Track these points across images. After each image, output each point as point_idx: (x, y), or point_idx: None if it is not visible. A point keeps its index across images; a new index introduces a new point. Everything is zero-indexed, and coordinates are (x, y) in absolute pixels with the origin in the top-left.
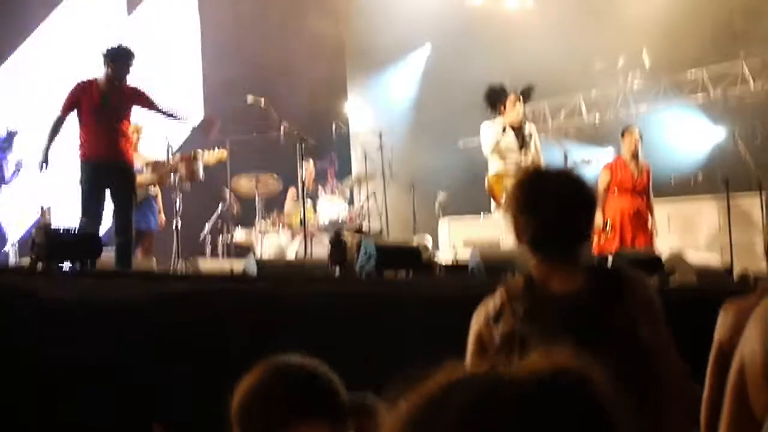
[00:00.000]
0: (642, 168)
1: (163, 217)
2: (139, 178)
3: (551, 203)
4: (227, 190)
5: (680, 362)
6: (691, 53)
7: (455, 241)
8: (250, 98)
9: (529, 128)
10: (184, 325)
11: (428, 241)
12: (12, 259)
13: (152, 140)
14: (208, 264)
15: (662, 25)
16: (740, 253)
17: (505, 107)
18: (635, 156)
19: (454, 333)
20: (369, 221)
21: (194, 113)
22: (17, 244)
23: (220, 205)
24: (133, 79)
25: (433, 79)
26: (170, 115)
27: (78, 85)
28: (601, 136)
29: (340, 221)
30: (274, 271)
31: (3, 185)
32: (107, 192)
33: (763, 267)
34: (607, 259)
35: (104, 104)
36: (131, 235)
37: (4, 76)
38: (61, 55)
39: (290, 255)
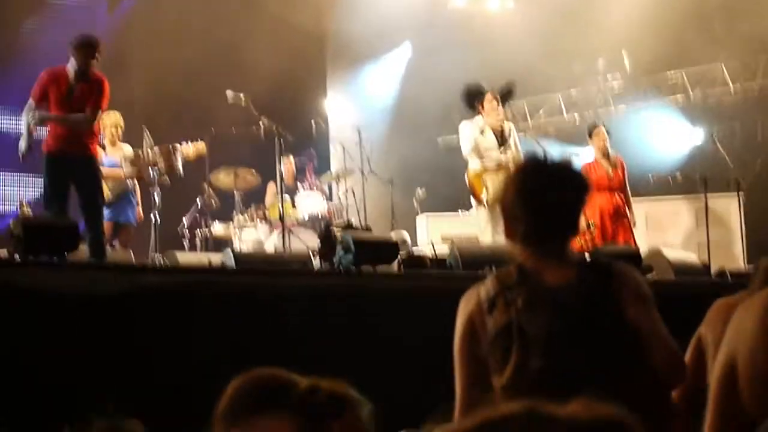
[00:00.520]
0: (615, 164)
1: (140, 210)
2: (118, 172)
3: (548, 195)
4: (205, 185)
5: (672, 341)
6: (670, 55)
7: (433, 237)
8: (229, 94)
9: (508, 126)
10: (161, 318)
11: (406, 237)
12: None
13: (131, 134)
14: (186, 257)
15: (642, 27)
16: (717, 251)
17: (483, 106)
18: (606, 154)
19: (433, 326)
20: (347, 217)
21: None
22: None
23: (198, 198)
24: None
25: (413, 76)
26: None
27: (47, 72)
28: (581, 135)
29: (319, 216)
30: (252, 264)
31: None
32: (72, 187)
33: (740, 265)
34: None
35: (70, 95)
36: (101, 228)
37: None
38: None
39: (268, 249)
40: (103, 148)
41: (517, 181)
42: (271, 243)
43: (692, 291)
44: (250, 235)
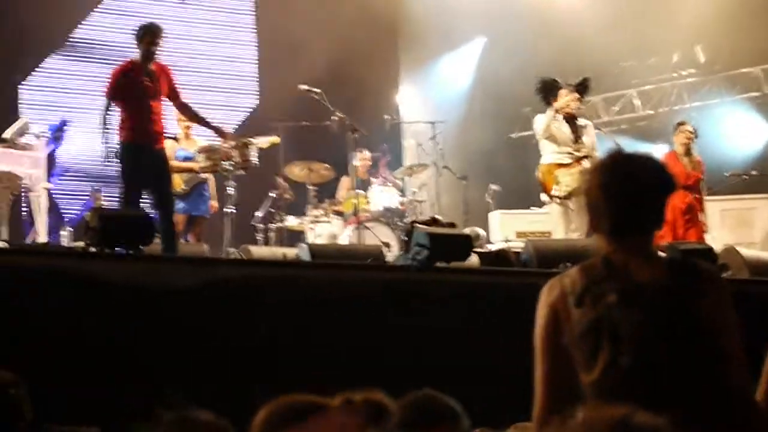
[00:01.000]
0: (695, 163)
1: (214, 203)
2: (192, 165)
3: (635, 189)
4: (279, 179)
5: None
6: (745, 50)
7: (506, 233)
8: (303, 87)
9: (584, 122)
10: (234, 311)
11: (480, 233)
12: (66, 242)
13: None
14: (260, 251)
15: (717, 22)
16: None
17: (557, 101)
18: (688, 151)
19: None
20: (419, 212)
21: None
22: (71, 228)
23: (272, 193)
24: (187, 67)
25: (486, 70)
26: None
27: (117, 69)
28: (655, 132)
29: (393, 210)
30: (327, 257)
31: (55, 173)
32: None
33: None
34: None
35: (143, 84)
36: (173, 220)
37: (57, 64)
38: (113, 43)
39: (342, 243)
40: (176, 140)
41: (602, 174)
42: (345, 237)
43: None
44: (324, 229)
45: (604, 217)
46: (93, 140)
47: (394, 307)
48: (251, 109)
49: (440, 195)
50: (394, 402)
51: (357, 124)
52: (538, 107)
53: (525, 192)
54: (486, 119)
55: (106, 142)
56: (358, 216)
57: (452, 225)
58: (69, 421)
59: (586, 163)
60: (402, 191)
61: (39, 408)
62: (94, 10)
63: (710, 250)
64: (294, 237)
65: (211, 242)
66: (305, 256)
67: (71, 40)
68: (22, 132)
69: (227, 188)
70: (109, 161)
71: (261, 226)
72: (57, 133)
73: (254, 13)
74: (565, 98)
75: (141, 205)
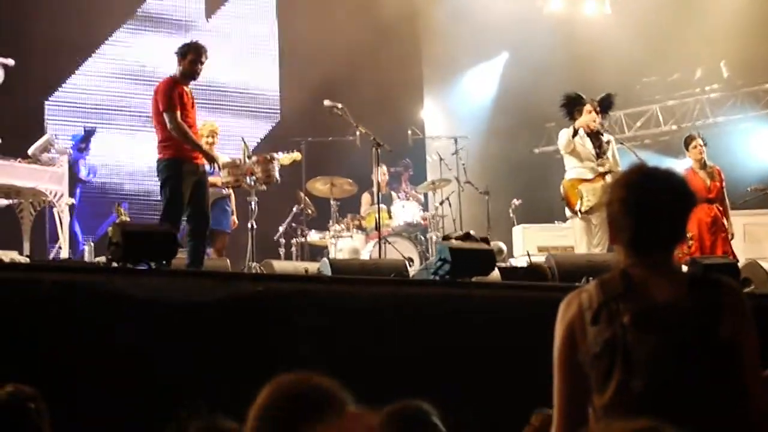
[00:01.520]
0: (713, 174)
1: (235, 218)
2: (215, 180)
3: (657, 203)
4: (302, 194)
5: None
6: None
7: (529, 247)
8: (326, 103)
9: (607, 138)
10: (257, 325)
11: (503, 247)
12: (87, 257)
13: (228, 141)
14: (282, 266)
15: (741, 38)
16: None
17: (581, 116)
18: (703, 164)
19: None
20: (442, 227)
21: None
22: (92, 242)
23: (294, 207)
24: (213, 83)
25: (509, 85)
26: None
27: (171, 81)
28: (678, 147)
29: (415, 225)
30: (349, 272)
31: (80, 186)
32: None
33: None
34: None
35: (192, 102)
36: (205, 238)
37: (82, 78)
38: (138, 58)
39: (365, 258)
40: None
41: (623, 187)
42: (367, 252)
43: None
44: (347, 244)
45: (624, 230)
46: (116, 153)
47: (415, 321)
48: (273, 125)
49: (463, 210)
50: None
51: (380, 139)
52: (561, 122)
53: (547, 207)
54: (509, 134)
55: (200, 147)
56: (380, 231)
57: (485, 240)
58: None
59: (609, 179)
60: (424, 206)
61: (59, 423)
62: (120, 28)
63: (733, 265)
64: (316, 251)
65: (233, 257)
66: (327, 270)
67: (96, 54)
68: (45, 148)
69: (250, 203)
70: (214, 162)
71: (283, 240)
72: (81, 144)
73: (276, 29)
74: (585, 117)
75: (179, 222)
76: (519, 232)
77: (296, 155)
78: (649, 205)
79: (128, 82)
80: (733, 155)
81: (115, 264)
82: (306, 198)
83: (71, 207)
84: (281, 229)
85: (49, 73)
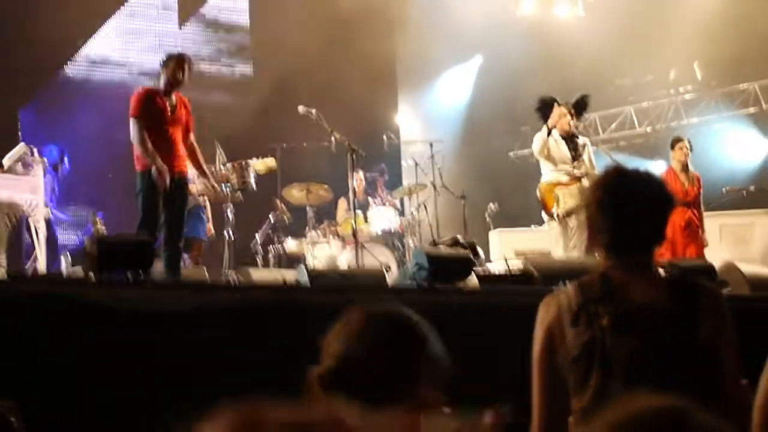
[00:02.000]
0: (693, 179)
1: (211, 227)
2: (190, 188)
3: (635, 205)
4: (278, 201)
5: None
6: (742, 66)
7: (506, 252)
8: (301, 109)
9: (583, 141)
10: (235, 336)
11: (479, 252)
12: (64, 269)
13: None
14: (259, 274)
15: (714, 38)
16: None
17: (555, 118)
18: (685, 167)
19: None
20: (419, 232)
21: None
22: (70, 255)
23: (271, 215)
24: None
25: (484, 90)
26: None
27: (144, 90)
28: (652, 148)
29: (392, 231)
30: (327, 281)
31: (53, 201)
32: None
33: None
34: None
35: (168, 112)
36: (180, 246)
37: (55, 90)
38: (111, 69)
39: (342, 264)
40: None
41: (601, 189)
42: (344, 259)
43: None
44: (324, 251)
45: (602, 232)
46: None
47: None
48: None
49: (439, 214)
50: None
51: (355, 144)
52: (536, 125)
53: (524, 210)
54: (484, 138)
55: (154, 160)
56: (357, 237)
57: (472, 245)
58: None
59: (585, 182)
60: (400, 211)
61: None
62: (94, 36)
63: (711, 267)
64: (294, 259)
65: (210, 265)
66: (303, 278)
67: (71, 67)
68: (20, 158)
69: (225, 211)
70: (164, 181)
71: (260, 248)
72: (57, 164)
73: (250, 36)
74: (559, 117)
75: (156, 232)
76: (496, 236)
77: (270, 161)
78: (628, 207)
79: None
80: (707, 156)
81: (91, 275)
82: (282, 205)
83: (48, 218)
84: (258, 236)
85: (25, 81)
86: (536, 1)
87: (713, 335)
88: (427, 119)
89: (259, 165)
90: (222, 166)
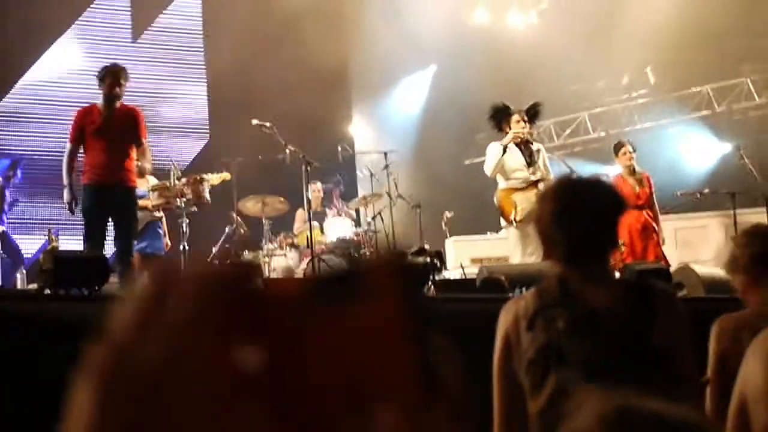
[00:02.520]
0: (642, 180)
1: (167, 240)
2: (145, 203)
3: (586, 212)
4: (234, 214)
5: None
6: (695, 70)
7: (462, 260)
8: (254, 122)
9: (537, 147)
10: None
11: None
12: (20, 285)
13: (159, 163)
14: None
15: (666, 44)
16: None
17: (510, 127)
18: (632, 171)
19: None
20: (376, 242)
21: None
22: (25, 270)
23: (227, 228)
24: (142, 105)
25: (438, 98)
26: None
27: (79, 112)
28: (608, 154)
29: (348, 241)
30: None
31: (6, 213)
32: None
33: None
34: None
35: (105, 126)
36: (131, 260)
37: (9, 103)
38: (66, 82)
39: (299, 276)
40: None
41: (551, 201)
42: (301, 270)
43: (723, 307)
44: (280, 263)
45: (557, 245)
46: (49, 180)
47: None
48: (202, 146)
49: (395, 224)
50: None
51: (310, 156)
52: (491, 133)
53: (479, 218)
54: (439, 146)
55: (69, 185)
56: (313, 248)
57: (439, 254)
58: None
59: (542, 186)
60: (356, 222)
61: None
62: (47, 52)
63: (665, 269)
64: None
65: None
66: None
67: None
68: None
69: (181, 225)
70: (71, 204)
71: (217, 262)
72: (9, 172)
73: (203, 50)
74: (512, 133)
75: (103, 245)
76: (452, 244)
77: (225, 175)
78: (579, 216)
79: (55, 107)
80: (662, 160)
81: (47, 291)
82: (238, 218)
83: (2, 234)
84: (214, 250)
85: None
86: (490, 9)
87: (667, 337)
88: (381, 129)
89: (214, 179)
90: (176, 181)
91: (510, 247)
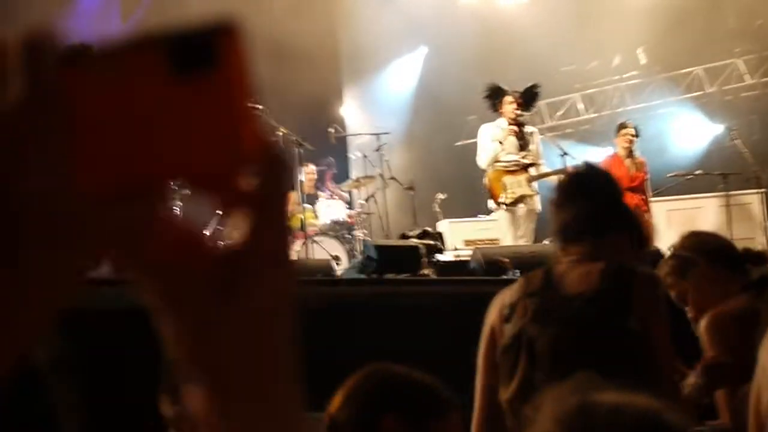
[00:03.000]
0: (638, 164)
1: None
2: None
3: (579, 196)
4: None
5: (678, 369)
6: (686, 51)
7: (455, 242)
8: None
9: (530, 129)
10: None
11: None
12: None
13: None
14: None
15: (657, 24)
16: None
17: (502, 108)
18: (630, 153)
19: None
20: (369, 224)
21: None
22: None
23: (219, 210)
24: None
25: (429, 79)
26: None
27: None
28: (598, 135)
29: (341, 223)
30: None
31: None
32: None
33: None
34: None
35: None
36: None
37: None
38: None
39: (292, 258)
40: None
41: (555, 191)
42: (294, 252)
43: None
44: None
45: (553, 228)
46: None
47: (345, 321)
48: None
49: (388, 206)
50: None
51: (302, 138)
52: (483, 115)
53: (471, 200)
54: (430, 128)
55: None
56: (306, 230)
57: (440, 236)
58: None
59: (533, 171)
60: (349, 204)
61: None
62: None
63: (657, 252)
64: None
65: None
66: None
67: None
68: None
69: (173, 208)
70: None
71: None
72: None
73: None
74: (510, 113)
75: None
76: (445, 226)
77: None
78: (572, 199)
79: None
80: (653, 141)
81: None
82: None
83: None
84: (207, 232)
85: None
86: None
87: (643, 321)
88: (372, 111)
89: None
90: None
91: (501, 229)
